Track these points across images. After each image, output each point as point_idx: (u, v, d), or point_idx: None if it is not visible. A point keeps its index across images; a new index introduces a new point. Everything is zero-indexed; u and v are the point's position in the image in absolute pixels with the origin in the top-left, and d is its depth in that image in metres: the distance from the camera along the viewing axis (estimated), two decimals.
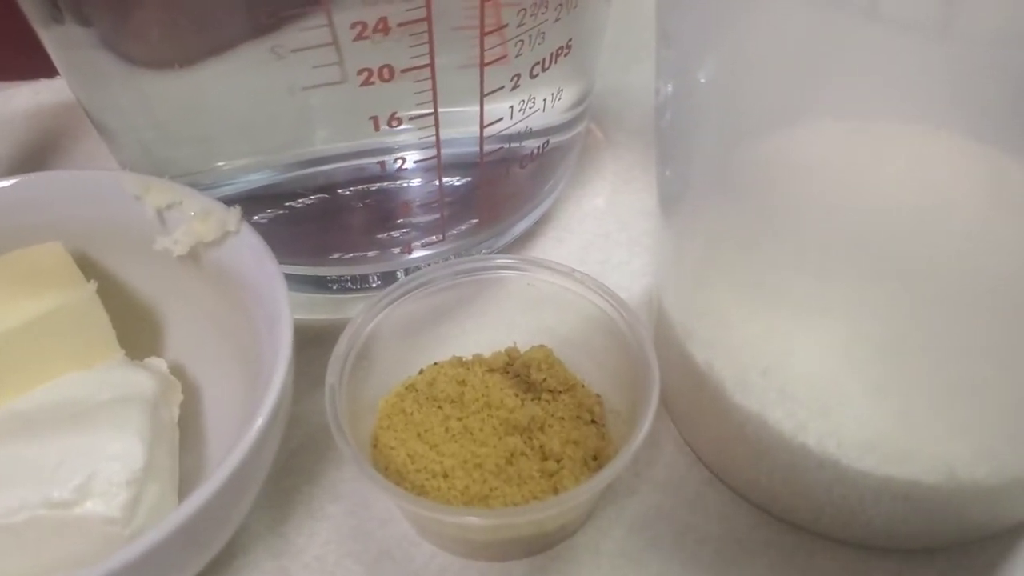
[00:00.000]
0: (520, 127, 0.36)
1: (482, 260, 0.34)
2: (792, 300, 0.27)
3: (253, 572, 0.31)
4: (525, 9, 0.31)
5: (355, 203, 0.36)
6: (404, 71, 0.31)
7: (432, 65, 0.31)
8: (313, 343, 0.34)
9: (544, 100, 0.36)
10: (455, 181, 0.36)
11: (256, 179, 0.36)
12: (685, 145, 0.29)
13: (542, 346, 0.34)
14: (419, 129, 0.33)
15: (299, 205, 0.36)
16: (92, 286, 0.31)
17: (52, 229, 0.33)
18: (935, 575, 0.30)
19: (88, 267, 0.33)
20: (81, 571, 0.23)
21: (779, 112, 0.24)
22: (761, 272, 0.27)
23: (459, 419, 0.32)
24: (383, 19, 0.29)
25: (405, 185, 0.36)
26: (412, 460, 0.31)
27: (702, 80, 0.26)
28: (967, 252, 0.22)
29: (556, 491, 0.29)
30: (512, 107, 0.35)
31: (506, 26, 0.31)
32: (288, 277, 0.31)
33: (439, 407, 0.32)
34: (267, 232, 0.32)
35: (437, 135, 0.33)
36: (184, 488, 0.30)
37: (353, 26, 0.29)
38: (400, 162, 0.34)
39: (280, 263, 0.31)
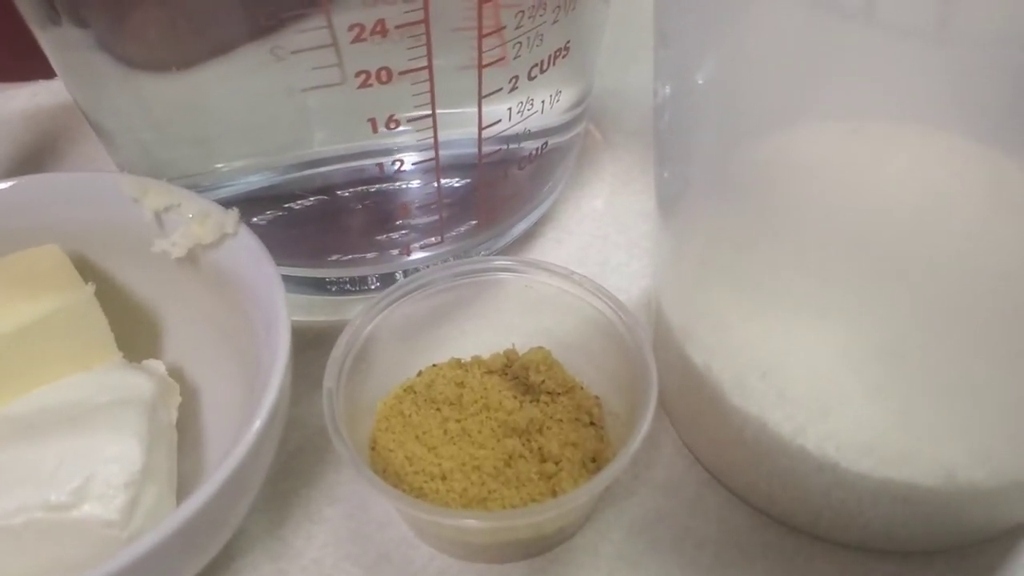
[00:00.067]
0: (518, 129, 0.36)
1: (481, 262, 0.34)
2: (791, 302, 0.27)
3: (251, 575, 0.31)
4: (523, 11, 0.31)
5: (354, 205, 0.36)
6: (402, 73, 0.31)
7: (430, 67, 0.31)
8: (311, 345, 0.34)
9: (542, 102, 0.36)
10: (454, 183, 0.36)
11: (254, 181, 0.36)
12: (684, 146, 0.29)
13: (541, 348, 0.34)
14: (417, 131, 0.33)
15: (298, 207, 0.36)
16: (90, 288, 0.31)
17: (50, 231, 0.33)
18: None
19: (86, 269, 0.33)
20: (79, 574, 0.23)
21: (778, 113, 0.24)
22: (760, 274, 0.27)
23: (457, 421, 0.32)
24: (381, 21, 0.29)
25: (403, 187, 0.36)
26: (410, 462, 0.31)
27: (700, 81, 0.26)
28: (966, 253, 0.22)
29: (555, 493, 0.29)
30: (510, 109, 0.35)
31: (504, 28, 0.31)
32: (287, 279, 0.31)
33: (437, 409, 0.32)
34: (266, 234, 0.32)
35: (435, 137, 0.33)
36: (182, 490, 0.30)
37: (351, 28, 0.29)
38: (398, 164, 0.34)
39: (279, 265, 0.31)
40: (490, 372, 0.34)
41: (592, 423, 0.32)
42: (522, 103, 0.35)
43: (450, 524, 0.28)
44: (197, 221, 0.32)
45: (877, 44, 0.20)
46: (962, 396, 0.25)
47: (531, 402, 0.32)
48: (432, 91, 0.32)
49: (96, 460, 0.27)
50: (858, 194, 0.23)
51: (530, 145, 0.37)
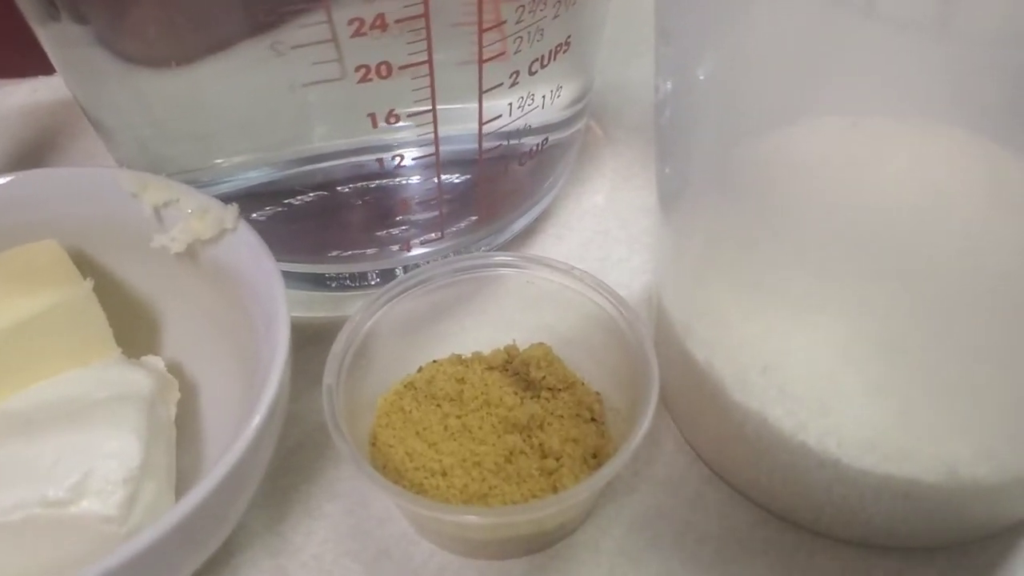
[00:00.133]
0: (519, 124, 0.36)
1: (481, 257, 0.34)
2: (792, 298, 0.27)
3: (251, 571, 0.30)
4: (524, 5, 0.31)
5: (354, 200, 0.36)
6: (402, 68, 0.31)
7: (430, 62, 0.31)
8: (311, 341, 0.34)
9: (543, 97, 0.36)
10: (454, 178, 0.36)
11: (254, 176, 0.36)
12: (685, 142, 0.29)
13: (541, 344, 0.34)
14: (417, 126, 0.33)
15: (297, 202, 0.36)
16: (88, 284, 0.31)
17: (48, 227, 0.33)
18: (935, 574, 0.30)
19: (84, 265, 0.33)
20: (78, 570, 0.23)
21: (779, 110, 0.24)
22: (761, 270, 0.27)
23: (458, 417, 0.32)
24: (380, 15, 0.29)
25: (404, 182, 0.35)
26: (411, 458, 0.30)
27: (701, 77, 0.26)
28: (967, 250, 0.22)
29: (555, 489, 0.29)
30: (511, 104, 0.34)
31: (505, 22, 0.31)
32: (286, 274, 0.31)
33: (438, 405, 0.32)
34: (265, 230, 0.32)
35: (435, 132, 0.33)
36: (181, 486, 0.30)
37: (351, 22, 0.29)
38: (398, 159, 0.34)
39: (278, 260, 0.31)
40: (491, 368, 0.34)
41: (593, 419, 0.32)
42: (522, 98, 0.35)
43: (450, 520, 0.28)
44: (196, 216, 0.32)
45: (878, 42, 0.20)
46: (963, 392, 0.25)
47: (532, 398, 0.32)
48: (432, 86, 0.32)
49: (94, 456, 0.27)
50: (858, 192, 0.23)
51: (531, 141, 0.37)
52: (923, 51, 0.20)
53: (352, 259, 0.37)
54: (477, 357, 0.34)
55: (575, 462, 0.30)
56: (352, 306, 0.37)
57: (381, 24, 0.29)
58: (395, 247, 0.37)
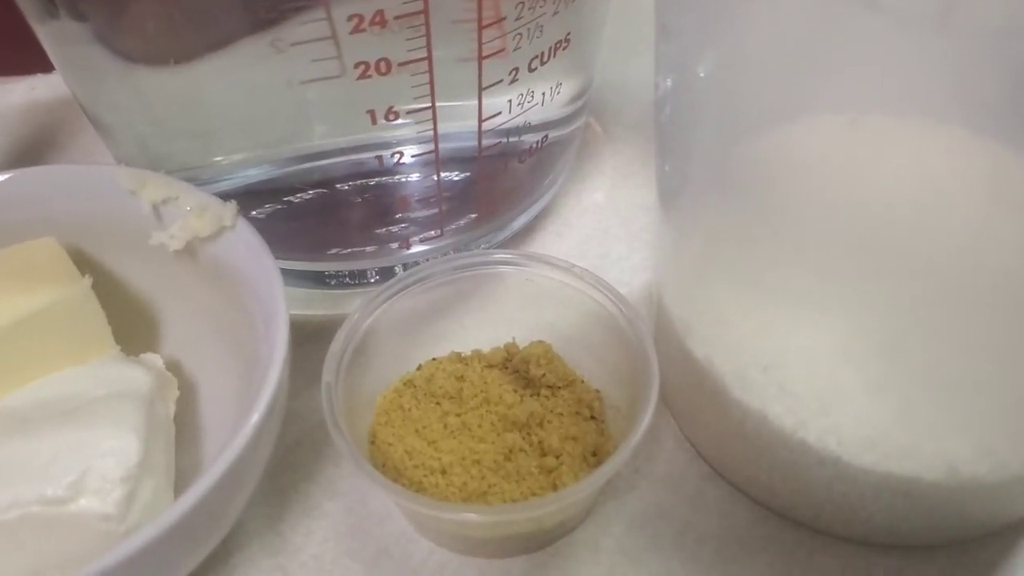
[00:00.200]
0: (519, 121, 0.35)
1: (481, 255, 0.34)
2: (792, 296, 0.27)
3: (250, 570, 0.30)
4: (523, 2, 0.31)
5: (353, 198, 0.36)
6: (401, 64, 0.31)
7: (429, 58, 0.31)
8: (310, 339, 0.34)
9: (543, 94, 0.36)
10: (453, 176, 0.36)
11: (253, 174, 0.36)
12: (685, 140, 0.29)
13: (541, 342, 0.34)
14: (417, 123, 0.33)
15: (297, 200, 0.36)
16: (87, 281, 0.31)
17: (47, 224, 0.33)
18: (936, 572, 0.30)
19: (83, 262, 0.33)
20: (76, 569, 0.23)
21: (779, 107, 0.24)
22: (761, 268, 0.27)
23: (457, 415, 0.32)
24: (380, 12, 0.29)
25: (403, 180, 0.35)
26: (410, 456, 0.30)
27: (701, 75, 0.26)
28: (967, 247, 0.22)
29: (555, 487, 0.29)
30: (511, 101, 0.34)
31: (504, 19, 0.31)
32: (286, 272, 0.31)
33: (437, 403, 0.32)
34: (265, 227, 0.31)
35: (435, 129, 0.33)
36: (180, 485, 0.30)
37: (350, 19, 0.29)
38: (398, 156, 0.34)
39: (278, 258, 0.31)
40: (490, 366, 0.33)
41: (593, 417, 0.32)
42: (522, 95, 0.35)
43: (450, 518, 0.28)
44: (195, 214, 0.32)
45: (878, 39, 0.20)
46: (964, 390, 0.25)
47: (531, 396, 0.32)
48: (432, 83, 0.31)
49: (92, 454, 0.27)
50: (859, 189, 0.23)
51: (530, 138, 0.37)
52: (923, 48, 0.20)
53: (351, 257, 0.37)
54: (477, 355, 0.34)
55: (575, 460, 0.30)
56: (351, 304, 0.37)
57: (380, 20, 0.29)
58: (394, 245, 0.37)
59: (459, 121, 0.34)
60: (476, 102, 0.33)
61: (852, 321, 0.25)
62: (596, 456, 0.31)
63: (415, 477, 0.30)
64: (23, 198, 0.33)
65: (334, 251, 0.37)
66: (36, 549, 0.27)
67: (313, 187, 0.35)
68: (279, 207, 0.36)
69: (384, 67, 0.30)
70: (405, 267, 0.37)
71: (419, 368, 0.34)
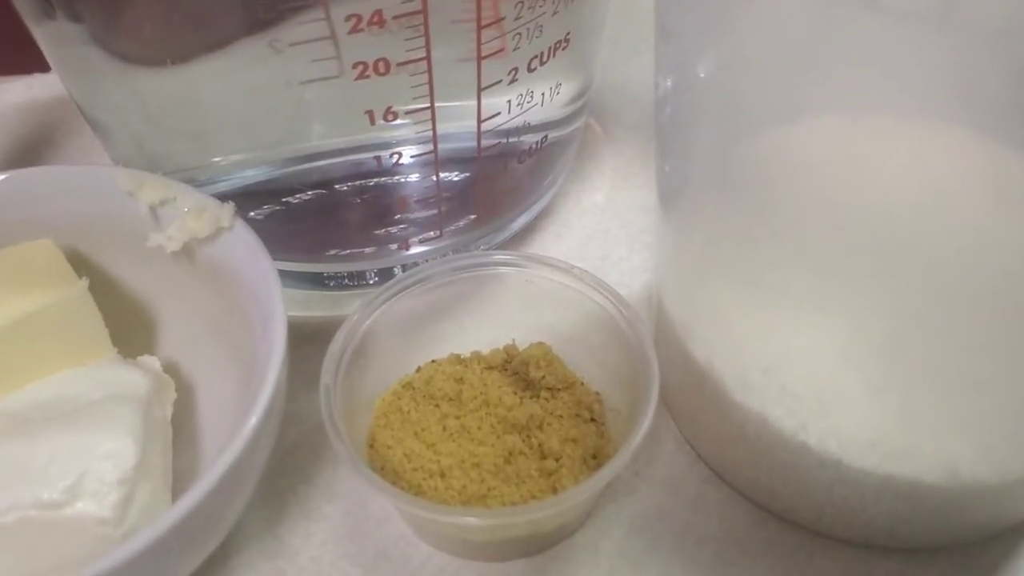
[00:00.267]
0: (518, 122, 0.35)
1: (480, 256, 0.34)
2: (792, 297, 0.27)
3: (248, 574, 0.30)
4: (522, 2, 0.31)
5: (352, 199, 0.36)
6: (400, 64, 0.30)
7: (428, 58, 0.31)
8: (309, 340, 0.34)
9: (542, 94, 0.36)
10: (453, 176, 0.36)
11: (251, 175, 0.35)
12: (685, 140, 0.28)
13: (541, 343, 0.33)
14: (415, 123, 0.33)
15: (295, 201, 0.35)
16: (84, 283, 0.31)
17: (44, 225, 0.32)
18: (937, 575, 0.30)
19: (80, 264, 0.33)
20: (73, 573, 0.23)
21: (779, 107, 0.24)
22: (761, 269, 0.27)
23: (457, 418, 0.31)
24: (378, 12, 0.29)
25: (402, 180, 0.35)
26: (409, 459, 0.30)
27: (701, 75, 0.26)
28: (968, 248, 0.22)
29: (555, 490, 0.29)
30: (510, 101, 0.34)
31: (503, 19, 0.31)
32: (284, 273, 0.31)
33: (436, 405, 0.32)
34: (263, 228, 0.31)
35: (434, 130, 0.33)
36: (177, 488, 0.30)
37: (348, 19, 0.29)
38: (397, 157, 0.34)
39: (276, 259, 0.30)
40: (490, 368, 0.33)
41: (593, 419, 0.32)
42: (522, 96, 0.35)
43: (449, 522, 0.28)
44: (193, 215, 0.32)
45: (878, 38, 0.20)
46: (965, 392, 0.25)
47: (531, 398, 0.32)
48: (430, 83, 0.31)
49: (89, 457, 0.27)
50: (860, 189, 0.23)
51: (530, 139, 0.37)
52: (924, 48, 0.20)
53: (350, 258, 0.37)
54: (476, 357, 0.34)
55: (575, 463, 0.30)
56: (350, 305, 0.37)
57: (379, 20, 0.29)
58: (393, 246, 0.37)
59: (458, 121, 0.34)
60: (475, 102, 0.33)
61: (853, 322, 0.25)
62: (596, 459, 0.31)
63: (414, 480, 0.30)
64: (20, 199, 0.33)
65: (333, 252, 0.37)
66: (33, 553, 0.27)
67: (311, 188, 0.35)
68: (277, 208, 0.35)
69: (383, 67, 0.30)
70: (404, 268, 0.37)
71: (418, 370, 0.34)
